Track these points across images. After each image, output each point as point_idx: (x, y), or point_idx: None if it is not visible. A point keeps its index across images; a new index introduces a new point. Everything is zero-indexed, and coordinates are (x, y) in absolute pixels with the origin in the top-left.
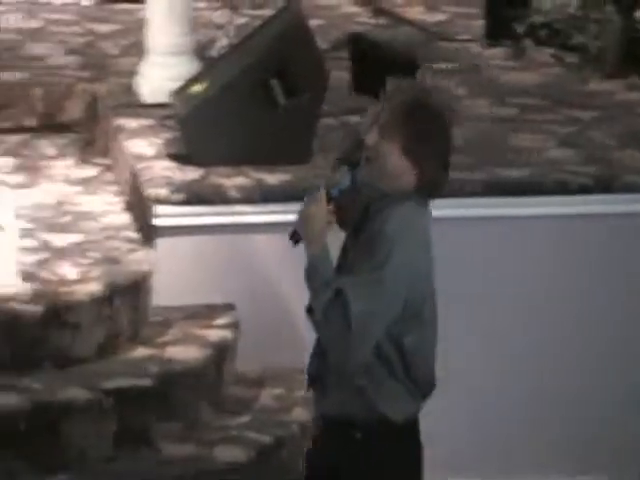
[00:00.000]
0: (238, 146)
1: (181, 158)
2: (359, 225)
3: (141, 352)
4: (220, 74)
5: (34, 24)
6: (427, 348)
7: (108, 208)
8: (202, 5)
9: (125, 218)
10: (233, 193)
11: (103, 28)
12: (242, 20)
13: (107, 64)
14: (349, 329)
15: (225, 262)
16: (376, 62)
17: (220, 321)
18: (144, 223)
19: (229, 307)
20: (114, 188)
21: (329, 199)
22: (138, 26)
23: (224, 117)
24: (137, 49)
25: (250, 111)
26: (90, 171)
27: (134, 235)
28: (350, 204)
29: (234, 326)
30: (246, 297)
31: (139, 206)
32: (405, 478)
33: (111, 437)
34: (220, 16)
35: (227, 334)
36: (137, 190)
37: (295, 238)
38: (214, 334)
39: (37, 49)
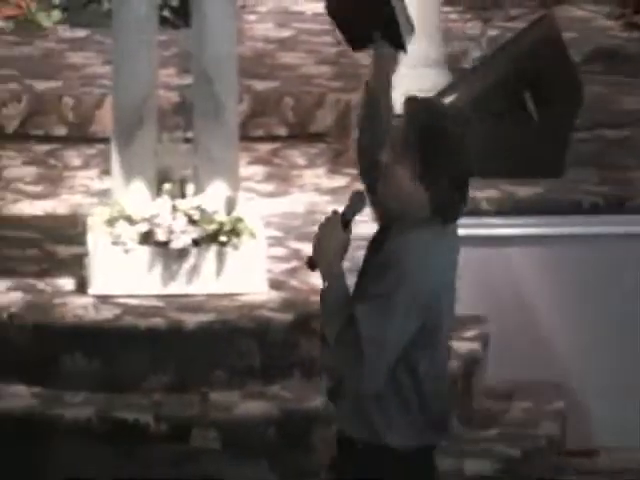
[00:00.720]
0: (489, 158)
1: None
2: (377, 247)
3: None
4: (472, 86)
5: (285, 33)
6: (440, 374)
7: (357, 218)
8: (454, 17)
9: (374, 229)
10: (484, 205)
11: None
12: (494, 32)
13: (359, 74)
14: (362, 356)
15: (474, 274)
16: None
17: (469, 333)
18: None
19: (478, 319)
20: None
21: (345, 223)
22: None
23: (475, 129)
24: None
25: (502, 124)
26: (340, 181)
27: None
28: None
29: (483, 339)
30: (495, 310)
31: None
32: None
33: None
34: (472, 28)
35: (476, 346)
36: None
37: (311, 263)
38: (463, 346)
39: (288, 58)
